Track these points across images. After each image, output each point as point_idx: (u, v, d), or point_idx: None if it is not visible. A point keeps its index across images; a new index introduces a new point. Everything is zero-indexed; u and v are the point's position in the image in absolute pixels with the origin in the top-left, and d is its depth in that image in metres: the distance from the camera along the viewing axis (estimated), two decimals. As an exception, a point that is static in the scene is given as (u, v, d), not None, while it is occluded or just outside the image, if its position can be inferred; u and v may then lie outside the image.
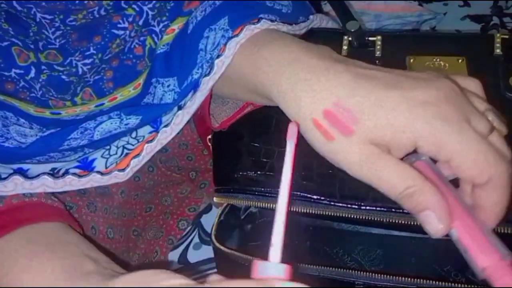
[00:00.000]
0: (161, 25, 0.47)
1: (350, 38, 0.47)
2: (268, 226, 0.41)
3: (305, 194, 0.39)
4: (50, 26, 0.45)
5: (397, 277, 0.38)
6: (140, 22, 0.47)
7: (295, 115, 0.35)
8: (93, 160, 0.43)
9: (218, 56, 0.39)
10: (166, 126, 0.41)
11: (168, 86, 0.43)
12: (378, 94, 0.33)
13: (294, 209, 0.40)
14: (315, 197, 0.39)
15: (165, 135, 0.41)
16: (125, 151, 0.43)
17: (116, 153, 0.43)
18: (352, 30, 0.48)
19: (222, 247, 0.41)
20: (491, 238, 0.32)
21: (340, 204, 0.39)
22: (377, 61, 0.46)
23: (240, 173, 0.41)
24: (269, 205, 0.40)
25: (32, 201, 0.39)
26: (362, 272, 0.39)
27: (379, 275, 0.38)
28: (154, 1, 0.47)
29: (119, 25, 0.46)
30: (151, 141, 0.42)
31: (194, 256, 0.53)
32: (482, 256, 0.32)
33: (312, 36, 0.47)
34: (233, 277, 0.27)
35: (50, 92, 0.46)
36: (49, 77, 0.46)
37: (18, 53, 0.44)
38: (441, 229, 0.32)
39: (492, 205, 0.33)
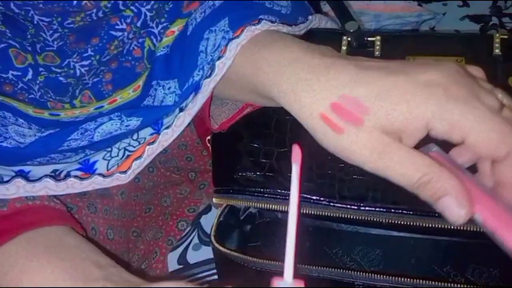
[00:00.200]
0: (160, 26, 0.46)
1: (349, 39, 0.47)
2: (267, 227, 0.41)
3: (305, 195, 0.39)
4: (48, 29, 0.45)
5: (396, 278, 0.38)
6: (138, 24, 0.47)
7: (300, 112, 0.35)
8: (95, 162, 0.43)
9: (219, 58, 0.39)
10: (167, 128, 0.41)
11: (169, 88, 0.43)
12: (384, 81, 0.33)
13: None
14: (314, 197, 0.39)
15: (166, 137, 0.41)
16: (127, 153, 0.43)
17: (118, 155, 0.43)
18: (351, 31, 0.48)
19: (221, 248, 0.41)
20: None
21: (340, 205, 0.39)
22: (376, 62, 0.46)
23: (240, 173, 0.41)
24: (268, 205, 0.40)
25: (35, 204, 0.39)
26: (361, 273, 0.39)
27: (378, 275, 0.38)
28: (152, 2, 0.47)
29: (117, 27, 0.46)
30: (152, 143, 0.41)
31: (193, 256, 0.53)
32: (511, 235, 0.31)
33: (311, 37, 0.46)
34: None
35: (49, 94, 0.46)
36: (46, 78, 0.46)
37: (16, 55, 0.44)
38: (463, 215, 0.31)
39: None
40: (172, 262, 0.53)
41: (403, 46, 0.47)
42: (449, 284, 0.38)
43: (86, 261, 0.36)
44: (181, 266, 0.53)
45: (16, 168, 0.41)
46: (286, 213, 0.41)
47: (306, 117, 0.34)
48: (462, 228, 0.37)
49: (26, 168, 0.41)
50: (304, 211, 0.40)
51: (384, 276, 0.38)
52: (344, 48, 0.47)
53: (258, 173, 0.41)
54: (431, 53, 0.46)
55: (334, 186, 0.39)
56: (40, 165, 0.42)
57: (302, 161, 0.28)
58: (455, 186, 0.31)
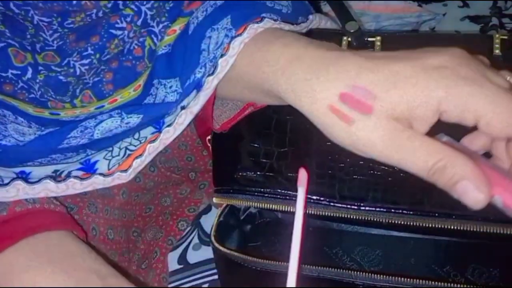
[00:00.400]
0: (161, 25, 0.46)
1: (349, 39, 0.47)
2: (268, 227, 0.41)
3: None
4: (48, 29, 0.45)
5: (396, 278, 0.38)
6: (139, 22, 0.46)
7: (308, 107, 0.34)
8: (96, 162, 0.42)
9: (221, 56, 0.39)
10: (169, 126, 0.41)
11: (170, 87, 0.43)
12: (392, 68, 0.33)
13: (294, 210, 0.40)
14: (314, 197, 0.39)
15: (168, 135, 0.41)
16: (128, 152, 0.43)
17: (119, 155, 0.43)
18: (352, 31, 0.48)
19: (221, 248, 0.41)
20: None
21: (340, 205, 0.39)
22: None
23: (240, 173, 0.42)
24: (268, 205, 0.40)
25: (35, 208, 0.39)
26: (361, 273, 0.39)
27: (378, 275, 0.38)
28: (152, 1, 0.47)
29: (117, 25, 0.46)
30: (153, 141, 0.41)
31: (193, 256, 0.53)
32: None
33: (311, 37, 0.47)
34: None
35: (49, 93, 0.46)
36: (46, 77, 0.46)
37: (15, 54, 0.44)
38: (482, 199, 0.30)
39: None
40: (172, 262, 0.53)
41: (403, 46, 0.47)
42: (449, 284, 0.38)
43: (87, 271, 0.36)
44: (181, 266, 0.53)
45: (17, 170, 0.41)
46: (286, 213, 0.41)
47: (315, 110, 0.34)
48: (462, 228, 0.37)
49: (27, 169, 0.41)
50: (304, 211, 0.40)
51: (384, 276, 0.38)
52: (344, 48, 0.47)
53: (258, 173, 0.41)
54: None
55: (334, 186, 0.39)
56: (41, 165, 0.42)
57: (308, 185, 0.28)
58: (472, 169, 0.30)
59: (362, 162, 0.40)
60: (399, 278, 0.38)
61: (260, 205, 0.41)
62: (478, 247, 0.39)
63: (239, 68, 0.39)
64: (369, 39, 0.48)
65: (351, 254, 0.41)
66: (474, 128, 0.32)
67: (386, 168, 0.39)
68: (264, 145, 0.42)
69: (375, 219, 0.38)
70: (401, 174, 0.39)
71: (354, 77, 0.33)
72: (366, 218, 0.39)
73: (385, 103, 0.32)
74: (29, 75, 0.45)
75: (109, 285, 0.35)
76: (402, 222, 0.38)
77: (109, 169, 0.42)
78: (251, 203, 0.41)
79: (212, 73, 0.39)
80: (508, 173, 0.33)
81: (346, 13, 0.50)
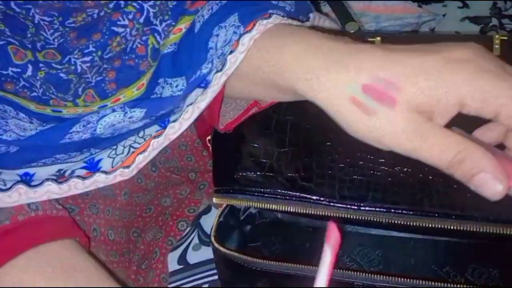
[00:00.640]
0: (164, 24, 0.46)
1: (349, 39, 0.48)
2: (268, 227, 0.41)
3: (305, 195, 0.39)
4: (49, 28, 0.44)
5: (396, 278, 0.38)
6: (141, 20, 0.46)
7: (327, 100, 0.34)
8: (99, 160, 0.42)
9: (230, 52, 0.38)
10: (174, 121, 0.40)
11: (177, 86, 0.43)
12: (415, 61, 0.33)
13: (294, 210, 0.40)
14: (314, 197, 0.39)
15: (173, 130, 0.41)
16: (132, 150, 0.42)
17: (123, 153, 0.42)
18: (352, 31, 0.48)
19: (221, 248, 0.41)
20: None
21: (340, 205, 0.39)
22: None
23: (240, 173, 0.42)
24: (268, 206, 0.40)
25: (38, 215, 0.39)
26: (361, 273, 0.39)
27: (378, 275, 0.38)
28: None
29: (118, 23, 0.46)
30: (158, 136, 0.41)
31: (193, 257, 0.53)
32: None
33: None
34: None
35: (51, 90, 0.45)
36: (47, 74, 0.45)
37: (15, 51, 0.44)
38: (501, 190, 0.31)
39: None
40: (172, 262, 0.53)
41: (403, 47, 0.47)
42: (448, 285, 0.38)
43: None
44: (181, 266, 0.53)
45: (21, 171, 0.40)
46: (286, 213, 0.41)
47: (335, 102, 0.34)
48: (461, 228, 0.37)
49: (30, 171, 0.41)
50: (304, 211, 0.40)
51: (384, 276, 0.38)
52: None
53: (258, 173, 0.41)
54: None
55: (334, 186, 0.39)
56: (45, 166, 0.42)
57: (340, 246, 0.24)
58: (490, 161, 0.31)
59: (362, 162, 0.40)
60: (399, 279, 0.38)
61: (260, 205, 0.41)
62: (477, 247, 0.39)
63: (252, 63, 0.38)
64: (369, 39, 0.48)
65: (351, 254, 0.41)
66: (482, 122, 0.33)
67: (386, 168, 0.39)
68: (264, 145, 0.42)
69: (375, 219, 0.38)
70: (401, 175, 0.39)
71: (377, 69, 0.33)
72: (366, 218, 0.39)
73: (408, 95, 0.32)
74: (29, 72, 0.44)
75: None
76: (402, 222, 0.38)
77: (112, 167, 0.41)
78: (251, 203, 0.41)
79: (221, 70, 0.38)
80: None
81: (346, 13, 0.50)
